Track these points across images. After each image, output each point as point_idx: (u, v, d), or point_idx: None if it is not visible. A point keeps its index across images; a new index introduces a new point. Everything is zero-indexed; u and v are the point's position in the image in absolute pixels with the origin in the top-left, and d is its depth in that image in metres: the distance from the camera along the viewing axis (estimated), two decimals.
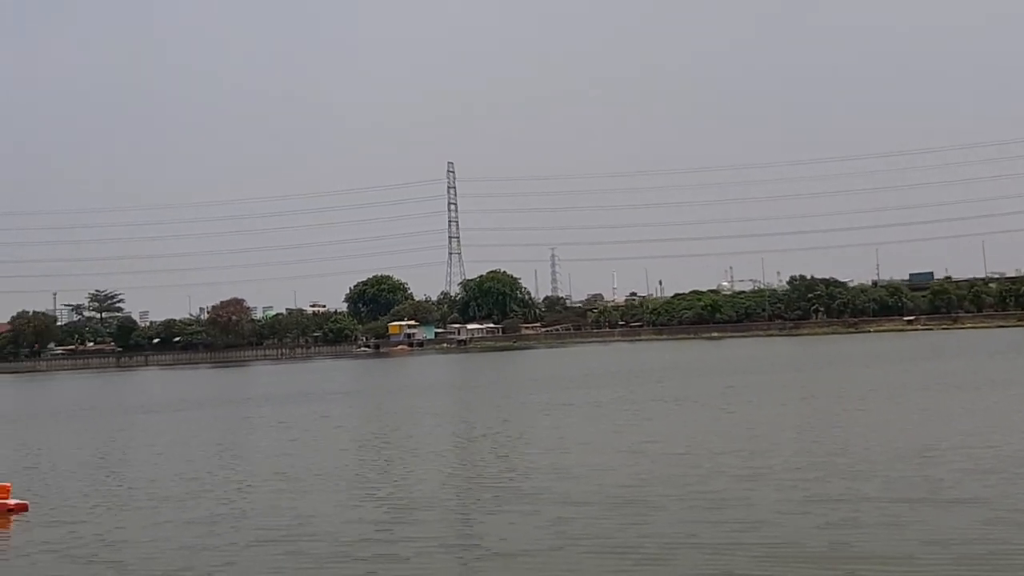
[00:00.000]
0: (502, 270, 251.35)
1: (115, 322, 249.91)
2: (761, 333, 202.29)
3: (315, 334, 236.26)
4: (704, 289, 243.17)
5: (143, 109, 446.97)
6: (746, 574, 19.52)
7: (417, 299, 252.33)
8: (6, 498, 31.98)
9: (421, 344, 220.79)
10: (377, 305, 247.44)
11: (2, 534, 29.05)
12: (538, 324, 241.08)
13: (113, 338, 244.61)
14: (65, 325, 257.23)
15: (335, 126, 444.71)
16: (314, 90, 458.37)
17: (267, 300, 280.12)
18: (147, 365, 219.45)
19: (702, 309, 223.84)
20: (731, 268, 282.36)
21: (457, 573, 21.17)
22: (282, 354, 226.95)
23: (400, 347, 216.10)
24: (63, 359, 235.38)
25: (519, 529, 24.71)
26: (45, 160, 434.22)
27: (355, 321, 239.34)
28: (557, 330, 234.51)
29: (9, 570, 23.98)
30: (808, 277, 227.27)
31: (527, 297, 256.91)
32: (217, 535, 25.91)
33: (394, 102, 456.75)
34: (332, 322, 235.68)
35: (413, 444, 44.78)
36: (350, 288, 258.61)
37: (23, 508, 31.56)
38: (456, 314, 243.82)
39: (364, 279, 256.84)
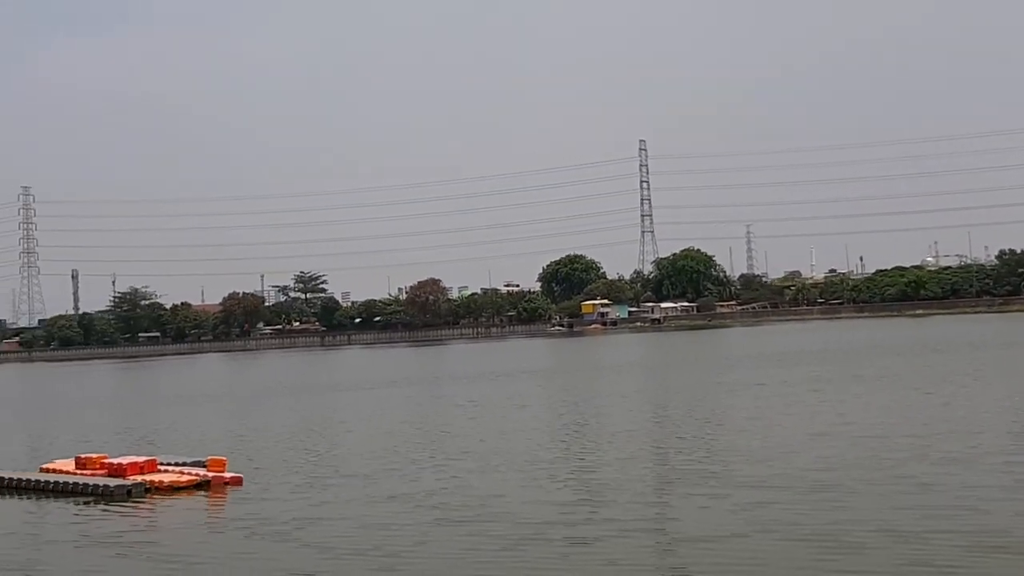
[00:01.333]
0: (696, 248, 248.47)
1: (319, 302, 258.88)
2: (968, 310, 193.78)
3: (509, 313, 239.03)
4: (907, 265, 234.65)
5: (348, 95, 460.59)
6: (949, 565, 18.86)
7: (610, 278, 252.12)
8: (222, 471, 34.03)
9: (614, 323, 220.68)
10: (570, 284, 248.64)
11: (219, 506, 31.00)
12: (733, 302, 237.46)
13: (317, 318, 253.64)
14: (273, 306, 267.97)
15: (528, 108, 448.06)
16: (508, 70, 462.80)
17: (463, 280, 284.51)
18: (349, 344, 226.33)
19: (905, 286, 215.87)
20: (936, 243, 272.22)
21: (649, 557, 21.20)
22: (477, 333, 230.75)
23: (593, 326, 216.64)
24: (271, 338, 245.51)
25: (710, 513, 24.67)
26: (257, 145, 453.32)
27: (548, 300, 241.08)
28: (753, 308, 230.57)
29: (226, 540, 25.60)
30: (1018, 251, 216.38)
31: (722, 275, 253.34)
32: (406, 513, 26.76)
33: (584, 79, 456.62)
34: (526, 301, 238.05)
35: (603, 424, 45.12)
36: (543, 267, 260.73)
37: (238, 482, 33.50)
38: (649, 293, 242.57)
39: (557, 258, 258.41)
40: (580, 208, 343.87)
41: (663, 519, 24.82)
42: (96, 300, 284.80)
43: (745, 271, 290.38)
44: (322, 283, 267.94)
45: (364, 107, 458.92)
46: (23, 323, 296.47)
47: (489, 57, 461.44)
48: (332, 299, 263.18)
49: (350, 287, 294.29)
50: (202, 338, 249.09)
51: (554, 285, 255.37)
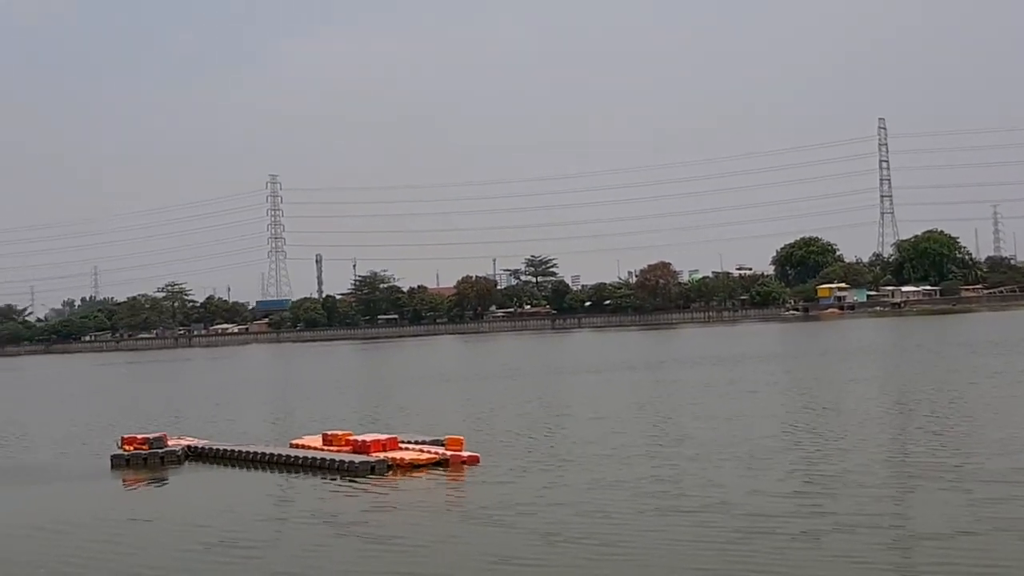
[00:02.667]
0: (939, 229, 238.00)
1: (549, 286, 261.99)
2: None
3: (742, 297, 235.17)
4: None
5: (583, 80, 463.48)
6: None
7: (847, 261, 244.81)
8: (460, 450, 35.30)
9: (852, 307, 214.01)
10: (805, 268, 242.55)
11: (457, 483, 32.21)
12: (979, 286, 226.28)
13: (548, 301, 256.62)
14: (504, 289, 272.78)
15: (762, 89, 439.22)
16: (735, 53, 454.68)
17: (693, 263, 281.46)
18: (579, 327, 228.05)
19: None
20: None
21: (879, 555, 20.55)
22: (709, 317, 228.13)
23: (830, 310, 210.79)
24: (503, 321, 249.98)
25: (945, 509, 23.83)
26: (488, 131, 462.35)
27: (782, 284, 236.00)
28: (1001, 292, 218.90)
29: (464, 517, 26.65)
30: None
31: (967, 257, 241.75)
32: (625, 501, 26.94)
33: (822, 55, 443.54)
34: (759, 285, 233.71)
35: (834, 412, 44.14)
36: (777, 251, 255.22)
37: (475, 460, 34.70)
38: (889, 276, 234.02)
39: (791, 241, 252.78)
40: (816, 189, 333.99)
41: (894, 514, 24.06)
42: (338, 283, 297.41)
43: (992, 253, 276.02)
44: (552, 267, 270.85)
45: (597, 91, 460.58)
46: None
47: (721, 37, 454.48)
48: (562, 283, 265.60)
49: (580, 271, 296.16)
50: (437, 320, 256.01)
51: (788, 268, 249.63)
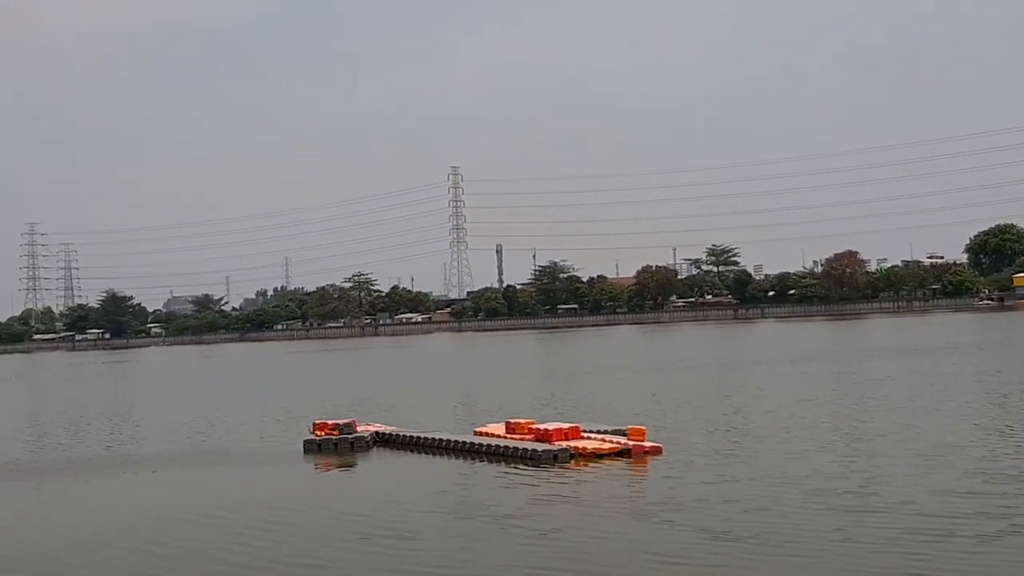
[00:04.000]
0: None
1: (731, 275, 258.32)
2: None
3: (932, 287, 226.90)
4: None
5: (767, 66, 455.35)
6: None
7: None
8: (642, 441, 35.13)
9: None
10: (1000, 256, 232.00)
11: (638, 474, 32.07)
12: None
13: (730, 291, 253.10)
14: (685, 278, 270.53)
15: (937, 74, 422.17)
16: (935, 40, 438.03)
17: (881, 252, 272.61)
18: (763, 317, 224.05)
19: None
20: None
21: None
22: (898, 307, 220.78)
23: None
24: (683, 311, 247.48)
25: None
26: (665, 119, 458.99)
27: (976, 273, 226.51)
28: None
29: (638, 509, 26.51)
30: None
31: None
32: (807, 498, 26.14)
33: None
34: (951, 274, 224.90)
35: None
36: (970, 238, 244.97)
37: (657, 451, 34.48)
38: None
39: (986, 228, 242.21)
40: (1013, 174, 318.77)
41: None
42: (518, 273, 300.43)
43: None
44: (734, 256, 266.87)
45: (780, 81, 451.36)
46: (453, 295, 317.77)
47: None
48: (744, 272, 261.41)
49: (763, 260, 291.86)
50: (617, 310, 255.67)
51: (982, 257, 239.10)
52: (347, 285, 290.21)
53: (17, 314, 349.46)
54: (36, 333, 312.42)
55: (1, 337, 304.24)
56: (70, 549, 25.18)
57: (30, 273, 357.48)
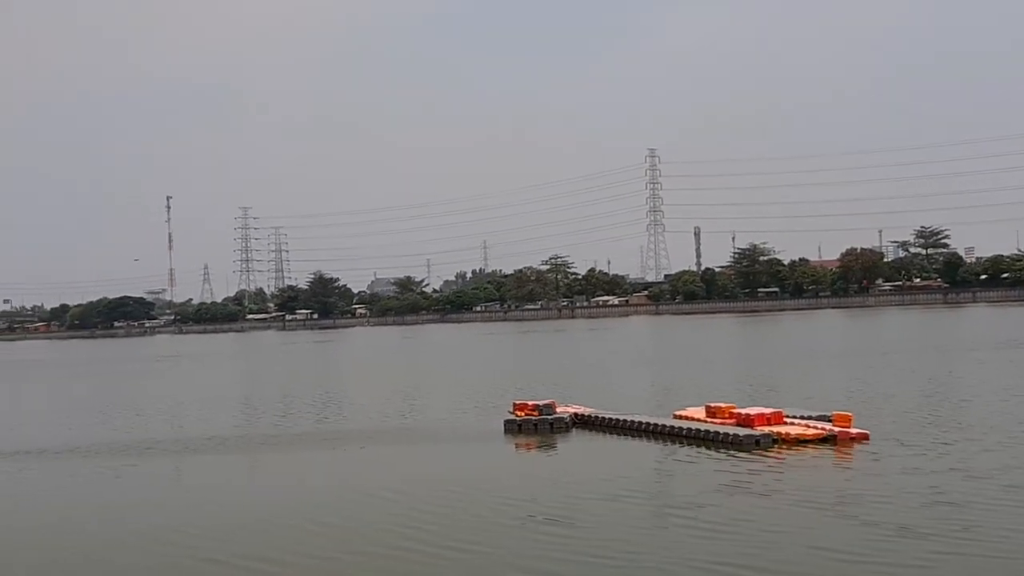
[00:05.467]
0: None
1: (941, 258, 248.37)
2: None
3: None
4: None
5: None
6: None
7: None
8: (848, 427, 34.21)
9: None
10: None
11: (842, 461, 31.25)
12: None
13: (939, 274, 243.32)
14: (892, 261, 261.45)
15: None
16: None
17: None
18: (974, 302, 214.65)
19: None
20: None
21: None
22: None
23: None
24: (890, 295, 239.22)
25: None
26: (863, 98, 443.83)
27: None
28: None
29: (837, 495, 25.78)
30: None
31: None
32: (987, 491, 25.16)
33: None
34: None
35: None
36: None
37: (864, 437, 33.52)
38: None
39: None
40: None
41: None
42: (717, 256, 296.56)
43: None
44: (944, 238, 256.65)
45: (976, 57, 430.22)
46: (650, 278, 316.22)
47: None
48: (955, 254, 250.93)
49: (975, 242, 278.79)
50: (820, 294, 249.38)
51: None
52: (544, 268, 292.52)
53: (232, 294, 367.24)
54: (249, 313, 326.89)
55: (217, 316, 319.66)
56: (265, 521, 26.17)
57: (243, 256, 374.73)
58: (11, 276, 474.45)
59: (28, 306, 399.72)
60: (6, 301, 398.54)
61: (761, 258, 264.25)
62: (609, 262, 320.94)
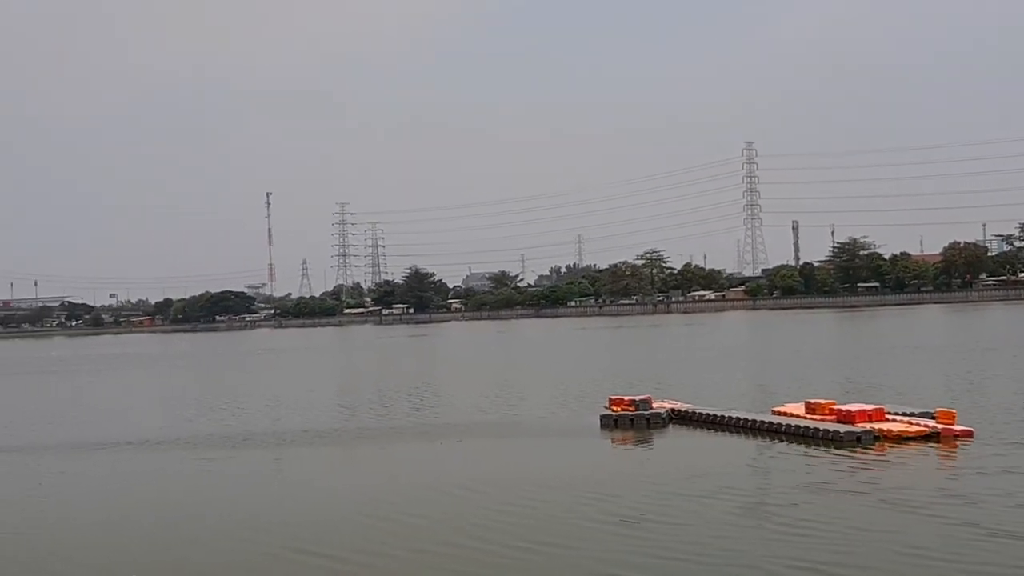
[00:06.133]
0: None
1: None
2: None
3: None
4: None
5: None
6: None
7: None
8: (952, 424, 33.54)
9: None
10: None
11: (944, 459, 30.66)
12: None
13: None
14: (996, 256, 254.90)
15: None
16: None
17: None
18: None
19: None
20: None
21: None
22: None
23: None
24: (994, 290, 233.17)
25: None
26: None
27: None
28: None
29: (933, 494, 25.29)
30: None
31: None
32: None
33: None
34: None
35: None
36: None
37: (968, 435, 32.85)
38: None
39: None
40: None
41: None
42: (816, 250, 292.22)
43: None
44: None
45: None
46: (747, 273, 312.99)
47: None
48: None
49: None
50: (921, 289, 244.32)
51: None
52: (639, 262, 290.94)
53: (329, 289, 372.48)
54: (347, 307, 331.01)
55: (315, 311, 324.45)
56: (360, 514, 26.59)
57: (341, 251, 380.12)
58: (117, 271, 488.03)
59: (133, 300, 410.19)
60: (112, 296, 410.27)
61: (861, 252, 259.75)
62: (705, 256, 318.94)
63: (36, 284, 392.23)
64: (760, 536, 22.24)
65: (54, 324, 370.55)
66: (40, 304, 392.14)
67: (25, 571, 22.66)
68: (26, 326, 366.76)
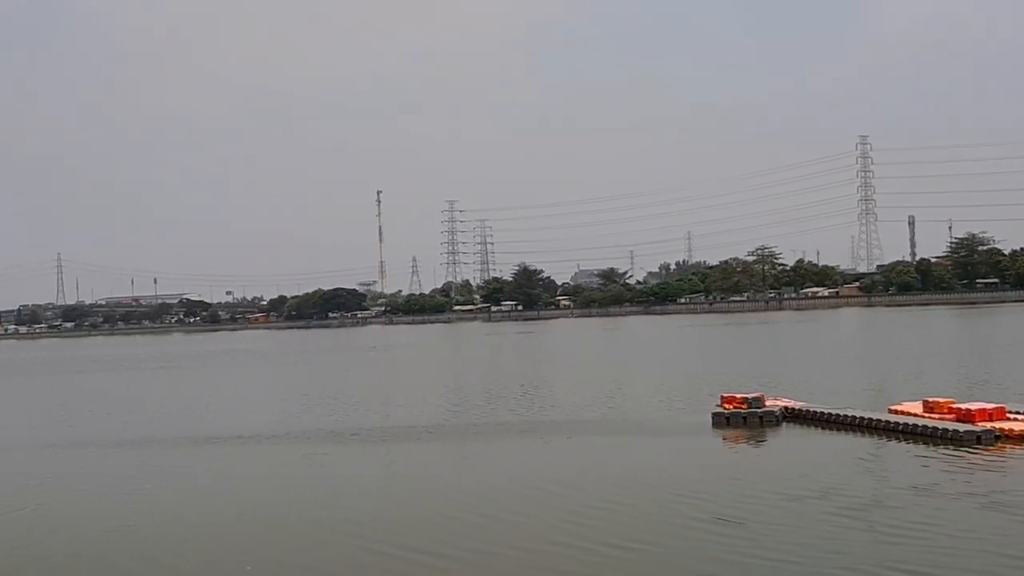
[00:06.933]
0: None
1: None
2: None
3: None
4: None
5: None
6: None
7: None
8: None
9: None
10: None
11: None
12: None
13: None
14: None
15: None
16: None
17: None
18: None
19: None
20: None
21: None
22: None
23: None
24: None
25: None
26: None
27: None
28: None
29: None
30: None
31: None
32: None
33: None
34: None
35: None
36: None
37: None
38: None
39: None
40: None
41: None
42: (932, 246, 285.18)
43: None
44: None
45: None
46: (862, 269, 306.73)
47: None
48: None
49: None
50: None
51: None
52: (750, 259, 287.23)
53: (439, 286, 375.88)
54: (456, 304, 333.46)
55: (425, 308, 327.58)
56: (463, 509, 26.97)
57: (450, 248, 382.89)
58: (233, 268, 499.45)
59: (248, 297, 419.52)
60: (228, 293, 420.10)
61: (980, 248, 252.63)
62: (818, 253, 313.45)
63: (156, 282, 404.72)
64: (863, 538, 21.93)
65: (173, 321, 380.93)
66: (160, 301, 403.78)
67: (138, 564, 23.21)
68: (146, 322, 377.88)
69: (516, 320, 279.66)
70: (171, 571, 22.50)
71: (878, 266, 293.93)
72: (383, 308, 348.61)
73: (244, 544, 24.53)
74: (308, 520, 26.50)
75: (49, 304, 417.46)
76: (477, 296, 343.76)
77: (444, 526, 25.08)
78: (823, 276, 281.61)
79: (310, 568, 22.11)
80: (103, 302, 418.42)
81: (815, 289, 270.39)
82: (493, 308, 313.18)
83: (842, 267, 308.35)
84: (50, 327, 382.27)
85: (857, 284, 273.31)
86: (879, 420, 36.63)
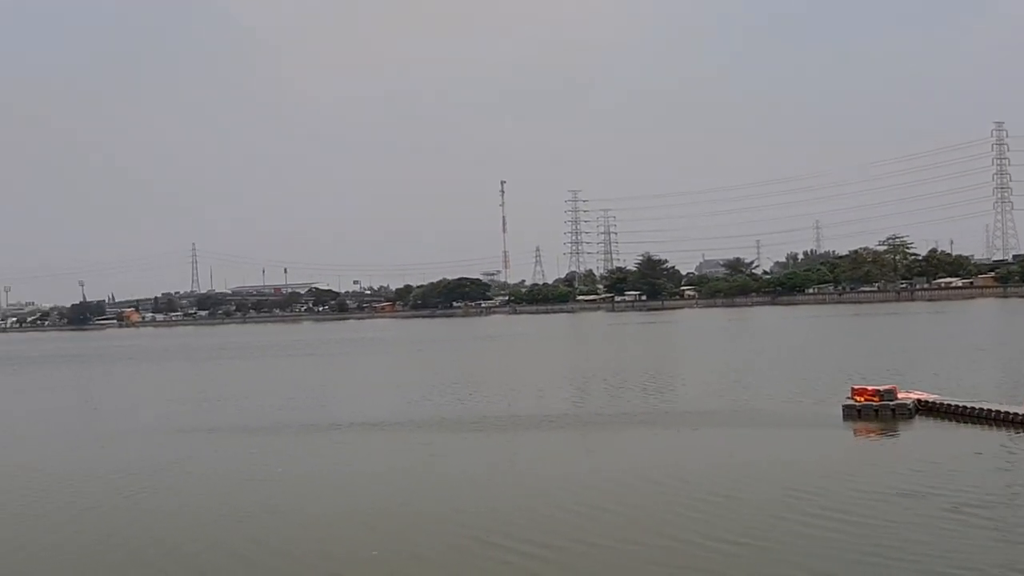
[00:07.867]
0: None
1: None
2: None
3: None
4: None
5: None
6: None
7: None
8: None
9: None
10: None
11: None
12: None
13: None
14: None
15: None
16: None
17: None
18: None
19: None
20: None
21: None
22: None
23: None
24: None
25: None
26: None
27: None
28: None
29: None
30: None
31: None
32: None
33: None
34: None
35: None
36: None
37: None
38: None
39: None
40: None
41: None
42: None
43: None
44: None
45: None
46: (997, 258, 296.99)
47: None
48: None
49: None
50: None
51: None
52: (881, 248, 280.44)
53: (562, 276, 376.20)
54: (579, 294, 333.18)
55: (548, 297, 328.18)
56: (578, 502, 27.25)
57: (573, 238, 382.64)
58: (361, 258, 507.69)
59: (375, 287, 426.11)
60: (355, 282, 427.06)
61: None
62: (952, 242, 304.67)
63: (286, 271, 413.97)
64: (982, 537, 21.61)
65: (302, 309, 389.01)
66: (290, 290, 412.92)
67: (270, 554, 23.65)
68: (277, 311, 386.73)
69: (640, 310, 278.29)
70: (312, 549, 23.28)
71: (1014, 255, 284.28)
72: (506, 298, 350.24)
73: (361, 530, 25.17)
74: (427, 512, 26.94)
75: (185, 292, 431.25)
76: (600, 286, 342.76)
77: (559, 517, 25.37)
78: (957, 266, 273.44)
79: (429, 560, 22.41)
80: (229, 291, 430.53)
81: (948, 279, 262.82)
82: (617, 298, 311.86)
83: (976, 257, 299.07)
84: (185, 315, 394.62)
85: (992, 274, 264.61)
86: (1016, 414, 35.71)
